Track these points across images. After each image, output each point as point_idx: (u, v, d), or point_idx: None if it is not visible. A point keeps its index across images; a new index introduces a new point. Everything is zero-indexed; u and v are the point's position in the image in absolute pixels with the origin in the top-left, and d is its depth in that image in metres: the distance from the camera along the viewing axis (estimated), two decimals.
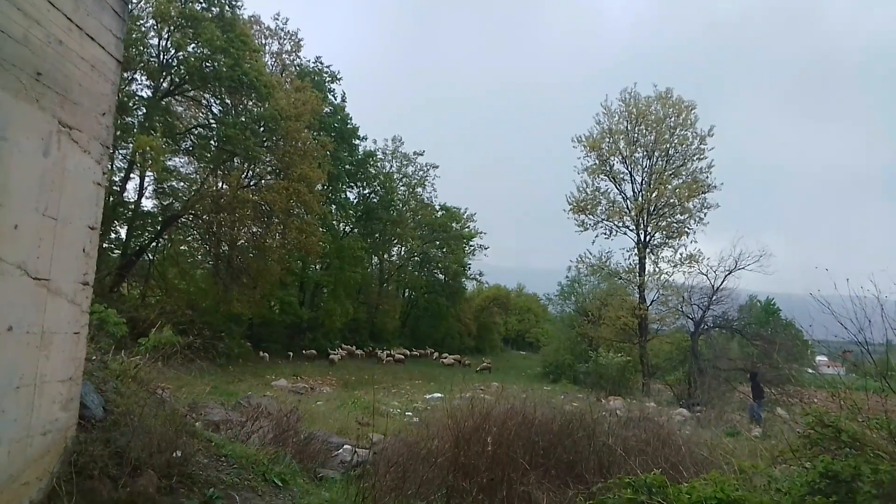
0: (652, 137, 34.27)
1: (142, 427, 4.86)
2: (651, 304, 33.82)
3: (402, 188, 53.26)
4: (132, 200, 28.80)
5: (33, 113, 3.90)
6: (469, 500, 4.34)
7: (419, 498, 4.82)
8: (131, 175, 27.87)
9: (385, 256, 54.39)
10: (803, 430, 3.73)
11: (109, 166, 25.28)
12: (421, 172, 54.20)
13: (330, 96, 42.76)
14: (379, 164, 50.79)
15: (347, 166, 44.82)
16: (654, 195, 33.71)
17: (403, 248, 55.48)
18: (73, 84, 4.31)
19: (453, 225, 56.62)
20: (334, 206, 43.88)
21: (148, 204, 30.05)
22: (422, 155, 53.89)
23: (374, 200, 49.23)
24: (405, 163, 53.54)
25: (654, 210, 34.05)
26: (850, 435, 3.30)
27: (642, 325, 33.42)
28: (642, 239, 34.46)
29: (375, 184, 49.31)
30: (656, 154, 34.43)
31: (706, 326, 30.61)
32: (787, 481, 3.59)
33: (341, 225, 46.82)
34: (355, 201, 48.91)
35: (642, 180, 34.90)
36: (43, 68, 3.94)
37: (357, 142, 46.42)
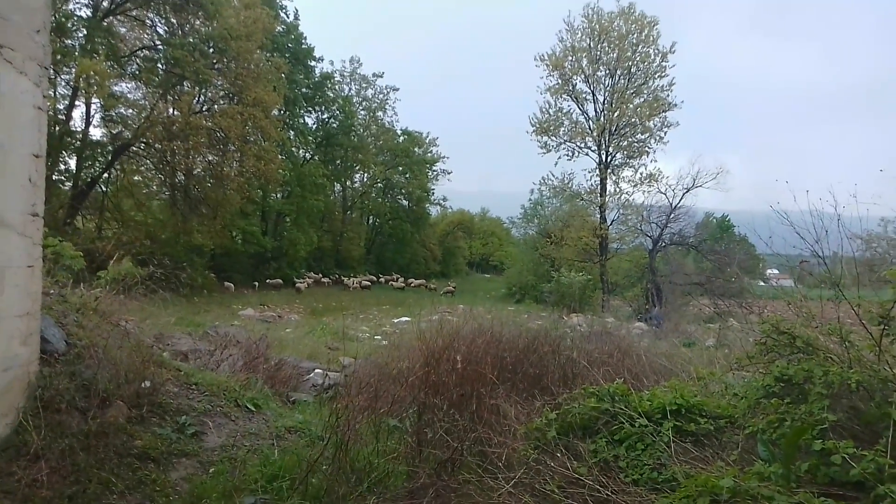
0: (614, 55, 33.81)
1: (107, 359, 4.80)
2: (611, 224, 34.46)
3: (361, 112, 51.95)
4: (79, 129, 27.41)
5: None
6: (440, 415, 4.46)
7: (391, 415, 4.94)
8: (76, 102, 26.34)
9: (347, 183, 53.65)
10: (759, 337, 3.87)
11: (51, 91, 23.81)
12: (381, 96, 52.87)
13: (282, 14, 40.58)
14: (337, 87, 49.22)
15: (304, 90, 43.24)
16: (615, 115, 33.64)
17: (366, 175, 54.77)
18: None
19: (415, 150, 55.82)
20: (292, 132, 42.60)
21: (97, 133, 28.68)
22: (381, 77, 52.40)
23: (334, 126, 47.95)
24: (364, 86, 52.05)
25: (615, 130, 34.08)
26: (804, 341, 3.44)
27: (602, 245, 34.16)
28: (604, 160, 34.65)
29: (334, 108, 47.90)
30: (618, 72, 34.09)
31: (664, 244, 31.50)
32: (744, 386, 3.76)
33: (301, 151, 45.65)
34: (314, 127, 47.58)
35: (604, 100, 34.71)
36: None
37: (313, 63, 44.67)
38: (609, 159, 34.71)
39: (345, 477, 3.98)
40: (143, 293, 7.13)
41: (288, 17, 41.69)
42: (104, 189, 29.50)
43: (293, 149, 43.03)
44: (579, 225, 35.82)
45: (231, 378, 6.21)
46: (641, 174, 33.54)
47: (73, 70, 23.82)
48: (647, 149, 33.96)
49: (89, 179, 27.70)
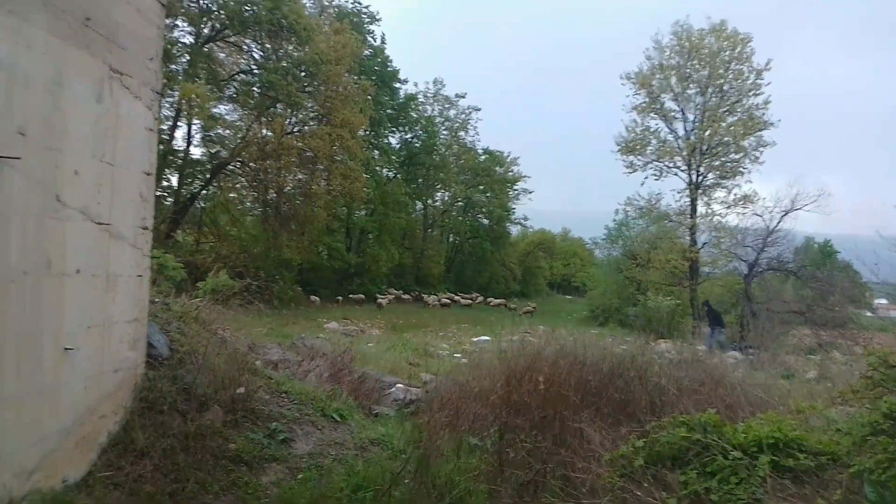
0: (705, 72, 32.59)
1: (206, 365, 5.07)
2: (702, 247, 33.00)
3: (444, 132, 52.62)
4: (181, 149, 29.41)
5: (85, 59, 3.93)
6: (522, 436, 4.40)
7: (472, 434, 4.93)
8: (178, 123, 28.33)
9: (429, 202, 54.33)
10: (865, 371, 3.59)
11: (159, 113, 25.67)
12: (463, 116, 53.34)
13: (369, 38, 42.04)
14: (420, 107, 50.16)
15: (389, 110, 44.40)
16: (707, 133, 32.32)
17: (447, 193, 55.29)
18: (120, 29, 4.31)
19: (497, 169, 55.85)
20: (377, 152, 43.79)
21: (197, 152, 30.67)
22: (463, 97, 52.91)
23: (417, 145, 48.88)
24: (447, 106, 52.71)
25: (706, 149, 32.71)
26: None
27: (693, 268, 32.72)
28: (694, 180, 33.30)
29: (417, 128, 48.84)
30: (710, 90, 32.80)
31: (760, 269, 29.79)
32: (848, 422, 3.50)
33: (384, 170, 46.79)
34: (398, 146, 48.66)
35: (695, 118, 33.43)
36: (91, 13, 3.95)
37: (398, 85, 45.83)
38: (700, 179, 33.35)
39: (426, 492, 3.99)
40: (238, 304, 7.51)
41: (375, 42, 43.18)
42: (202, 205, 31.40)
43: (377, 168, 44.22)
44: (667, 247, 34.51)
45: (318, 388, 6.40)
46: (735, 195, 31.99)
47: (177, 93, 25.58)
48: (741, 169, 32.33)
49: (189, 196, 29.52)
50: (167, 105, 26.96)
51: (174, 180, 29.20)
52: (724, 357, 13.38)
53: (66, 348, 3.78)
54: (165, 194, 28.29)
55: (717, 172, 33.14)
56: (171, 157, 28.08)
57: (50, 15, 3.54)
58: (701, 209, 33.29)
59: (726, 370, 8.21)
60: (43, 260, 3.58)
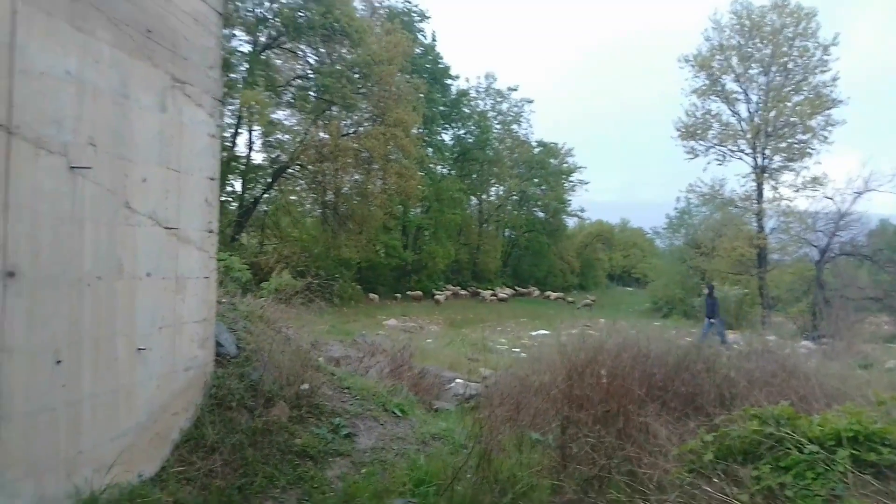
0: (768, 51, 31.17)
1: (272, 362, 5.22)
2: (771, 233, 31.58)
3: (497, 126, 52.35)
4: (243, 154, 30.40)
5: (148, 70, 4.09)
6: (585, 431, 4.32)
7: (534, 428, 4.88)
8: (240, 130, 29.28)
9: (483, 197, 54.19)
10: None
11: (221, 120, 26.62)
12: (515, 109, 52.94)
13: (420, 36, 42.27)
14: (472, 103, 50.06)
15: (441, 108, 44.54)
16: (772, 114, 30.92)
17: (501, 188, 54.97)
18: (180, 39, 4.47)
19: (551, 161, 55.14)
20: (431, 149, 44.01)
21: (258, 157, 31.67)
22: (515, 90, 52.55)
23: (470, 141, 48.82)
24: (499, 100, 52.42)
25: (772, 131, 31.29)
26: None
27: (761, 256, 31.39)
28: (759, 163, 31.89)
29: (470, 124, 48.78)
30: (773, 69, 31.36)
31: (832, 254, 28.30)
32: None
33: (438, 167, 46.98)
34: (451, 143, 48.76)
35: (758, 99, 32.04)
36: (152, 25, 4.10)
37: (449, 81, 45.89)
38: (766, 163, 31.93)
39: (489, 487, 3.97)
40: (300, 303, 7.70)
41: (425, 39, 43.37)
42: (265, 208, 32.38)
43: (431, 165, 44.44)
44: (733, 234, 33.20)
45: (379, 384, 6.50)
46: (804, 178, 30.46)
47: (237, 101, 26.45)
48: (809, 150, 30.77)
49: (252, 199, 30.53)
50: (229, 113, 27.91)
51: (238, 185, 30.23)
52: (796, 347, 12.80)
53: (139, 348, 3.96)
54: (230, 199, 29.31)
55: (784, 155, 31.68)
56: (234, 163, 29.07)
57: (114, 29, 3.70)
58: (768, 194, 31.91)
59: (799, 361, 7.85)
60: (115, 264, 3.75)
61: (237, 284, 8.03)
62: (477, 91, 51.13)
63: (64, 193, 3.33)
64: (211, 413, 4.58)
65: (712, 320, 16.81)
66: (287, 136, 31.87)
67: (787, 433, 3.39)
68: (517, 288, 46.84)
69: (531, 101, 52.79)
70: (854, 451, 3.11)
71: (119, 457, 3.77)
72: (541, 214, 56.34)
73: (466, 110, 48.53)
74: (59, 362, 3.28)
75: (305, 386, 5.27)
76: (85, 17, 3.47)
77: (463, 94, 48.04)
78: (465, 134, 49.17)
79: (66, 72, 3.32)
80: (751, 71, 31.98)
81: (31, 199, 3.12)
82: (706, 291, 18.79)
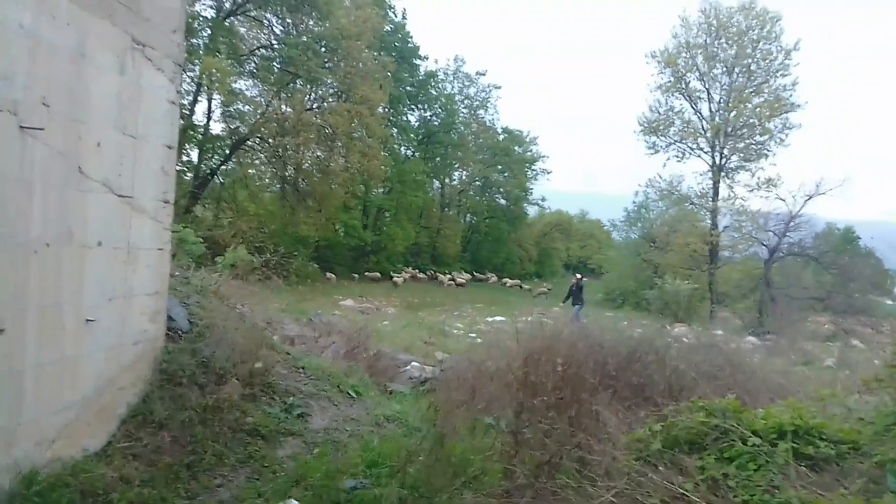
0: (733, 52, 31.94)
1: (225, 339, 5.11)
2: (723, 231, 32.56)
3: (463, 110, 52.14)
4: (201, 123, 29.51)
5: (107, 29, 3.90)
6: (538, 417, 4.38)
7: (488, 413, 4.92)
8: (199, 98, 28.39)
9: (446, 181, 54.09)
10: (889, 359, 3.53)
11: (181, 87, 25.75)
12: (483, 94, 52.78)
13: (390, 13, 41.58)
14: (440, 85, 49.68)
15: (408, 88, 44.06)
16: (732, 114, 31.76)
17: (465, 173, 54.94)
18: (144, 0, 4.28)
19: (516, 148, 55.31)
20: (396, 130, 43.58)
21: (216, 127, 30.78)
22: (484, 75, 52.31)
23: (436, 123, 48.52)
24: (467, 84, 52.12)
25: (731, 131, 32.14)
26: None
27: (713, 252, 32.35)
28: (717, 162, 32.78)
29: (437, 106, 48.43)
30: (736, 70, 32.18)
31: (781, 254, 29.38)
32: (871, 411, 3.44)
33: (403, 148, 46.60)
34: (416, 124, 48.37)
35: (720, 99, 32.87)
36: None
37: (418, 62, 45.35)
38: (723, 162, 32.81)
39: (441, 470, 4.00)
40: (256, 279, 7.56)
41: (396, 17, 42.71)
42: (222, 180, 31.56)
43: (396, 146, 44.04)
44: (687, 230, 34.08)
45: (334, 364, 6.45)
46: (759, 179, 31.50)
47: (197, 67, 25.58)
48: (765, 151, 31.81)
49: (209, 171, 29.72)
50: (188, 79, 27.00)
51: (194, 155, 29.37)
52: (741, 342, 13.27)
53: (87, 319, 3.82)
54: (185, 169, 28.45)
55: (742, 155, 32.64)
56: (192, 132, 28.18)
57: None
58: (723, 192, 32.91)
59: (745, 356, 8.13)
60: (65, 231, 3.60)
61: (191, 258, 7.83)
62: (445, 73, 50.73)
63: (13, 153, 3.16)
64: (160, 389, 4.47)
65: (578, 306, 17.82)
66: (248, 108, 30.98)
67: (733, 425, 3.49)
68: (475, 273, 47.04)
69: (499, 87, 52.76)
70: (794, 445, 3.24)
71: (63, 430, 3.65)
72: (502, 201, 56.52)
73: (434, 92, 48.09)
74: (1, 331, 3.14)
75: (259, 364, 5.19)
76: None
77: (431, 75, 47.58)
78: (431, 116, 48.81)
79: (19, 25, 3.14)
80: (714, 70, 32.73)
81: None
82: (574, 280, 19.47)
